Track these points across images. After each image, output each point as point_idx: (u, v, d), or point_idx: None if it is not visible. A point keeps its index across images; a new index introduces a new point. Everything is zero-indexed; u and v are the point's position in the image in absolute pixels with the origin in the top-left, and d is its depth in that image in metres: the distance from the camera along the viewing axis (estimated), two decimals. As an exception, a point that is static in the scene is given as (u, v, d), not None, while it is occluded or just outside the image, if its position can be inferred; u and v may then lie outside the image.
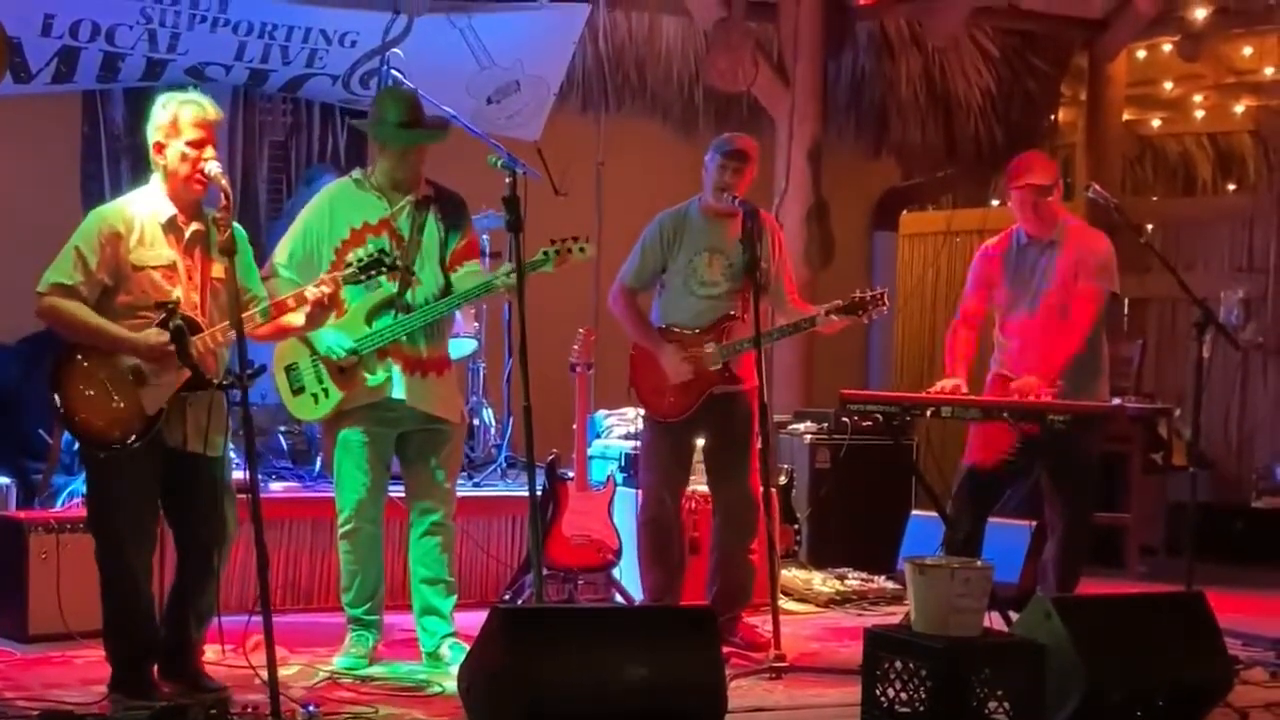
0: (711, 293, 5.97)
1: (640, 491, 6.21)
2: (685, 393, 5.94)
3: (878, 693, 4.63)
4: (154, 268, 4.72)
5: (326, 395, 5.46)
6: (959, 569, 4.61)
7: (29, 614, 5.69)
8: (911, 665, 4.54)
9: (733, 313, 5.93)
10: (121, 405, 4.66)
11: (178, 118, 4.74)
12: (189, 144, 4.73)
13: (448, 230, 5.55)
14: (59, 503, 6.24)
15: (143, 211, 4.76)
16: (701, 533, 6.49)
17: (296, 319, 4.98)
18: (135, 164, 7.46)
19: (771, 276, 5.98)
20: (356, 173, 5.66)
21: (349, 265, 5.15)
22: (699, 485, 6.37)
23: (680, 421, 5.98)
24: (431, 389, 5.51)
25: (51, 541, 5.75)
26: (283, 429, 7.31)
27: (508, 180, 5.10)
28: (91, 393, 4.65)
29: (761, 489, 5.79)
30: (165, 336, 4.59)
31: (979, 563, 4.83)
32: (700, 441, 6.10)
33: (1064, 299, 6.00)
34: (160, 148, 4.78)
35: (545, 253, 5.36)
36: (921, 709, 4.50)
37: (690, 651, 4.43)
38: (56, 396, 4.68)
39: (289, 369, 5.51)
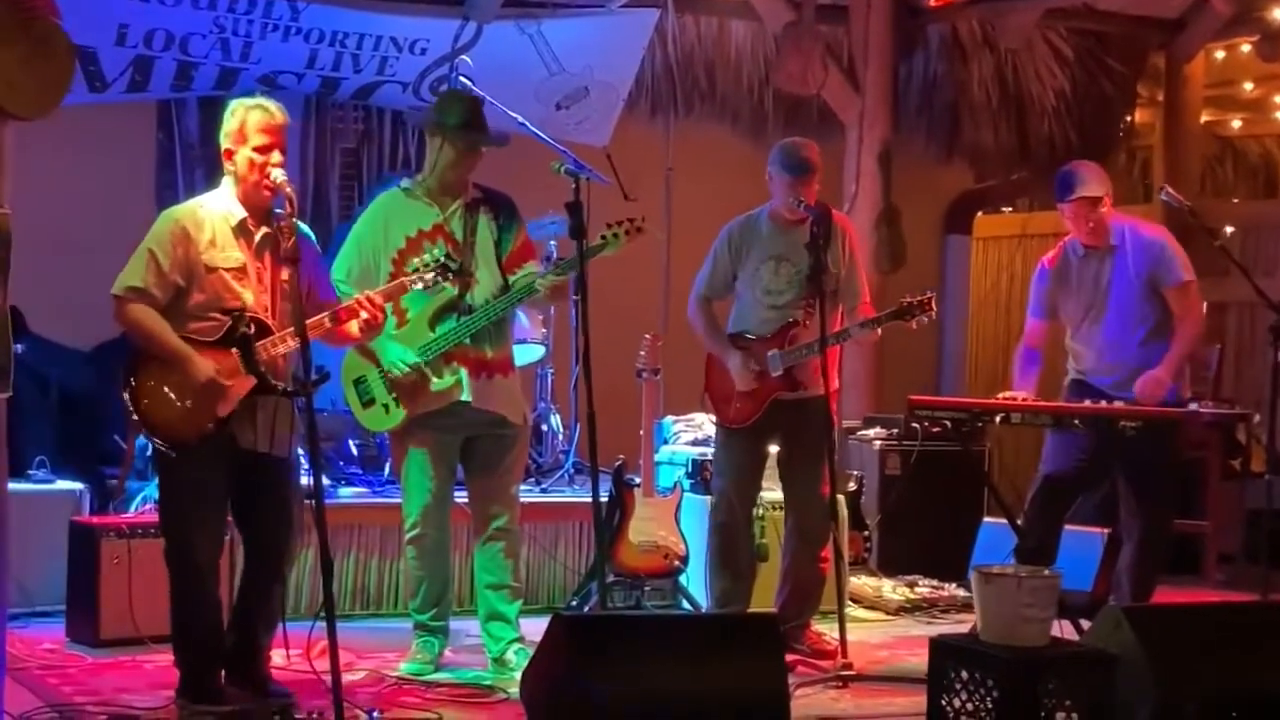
0: (777, 301, 5.93)
1: (711, 497, 6.22)
2: (750, 399, 5.91)
3: (944, 703, 4.58)
4: (225, 270, 4.76)
5: (397, 405, 5.48)
6: (1025, 578, 4.55)
7: (100, 618, 5.75)
8: (978, 675, 4.48)
9: (797, 320, 5.89)
10: (192, 406, 4.70)
11: (245, 124, 4.79)
12: (255, 149, 4.76)
13: (500, 230, 5.57)
14: (132, 507, 6.31)
15: (214, 213, 4.81)
16: (771, 540, 6.47)
17: (352, 328, 4.98)
18: (210, 172, 7.52)
19: (842, 280, 5.94)
20: (405, 182, 5.68)
21: (413, 270, 5.18)
22: (772, 492, 6.34)
23: (747, 427, 5.95)
24: (497, 390, 5.52)
25: (123, 547, 5.81)
26: (356, 440, 7.36)
27: (573, 186, 5.13)
28: (164, 393, 4.69)
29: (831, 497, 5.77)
30: (214, 372, 4.64)
31: (1046, 571, 4.76)
32: (774, 448, 6.08)
33: (1136, 295, 5.95)
34: (230, 154, 4.83)
35: (604, 236, 5.37)
36: (988, 719, 4.44)
37: (753, 659, 4.40)
38: (129, 397, 4.73)
39: (357, 382, 5.54)
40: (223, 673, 4.85)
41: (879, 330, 5.92)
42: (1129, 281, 5.97)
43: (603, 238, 5.36)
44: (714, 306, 6.14)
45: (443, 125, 5.52)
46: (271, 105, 4.85)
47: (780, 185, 5.90)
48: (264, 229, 4.83)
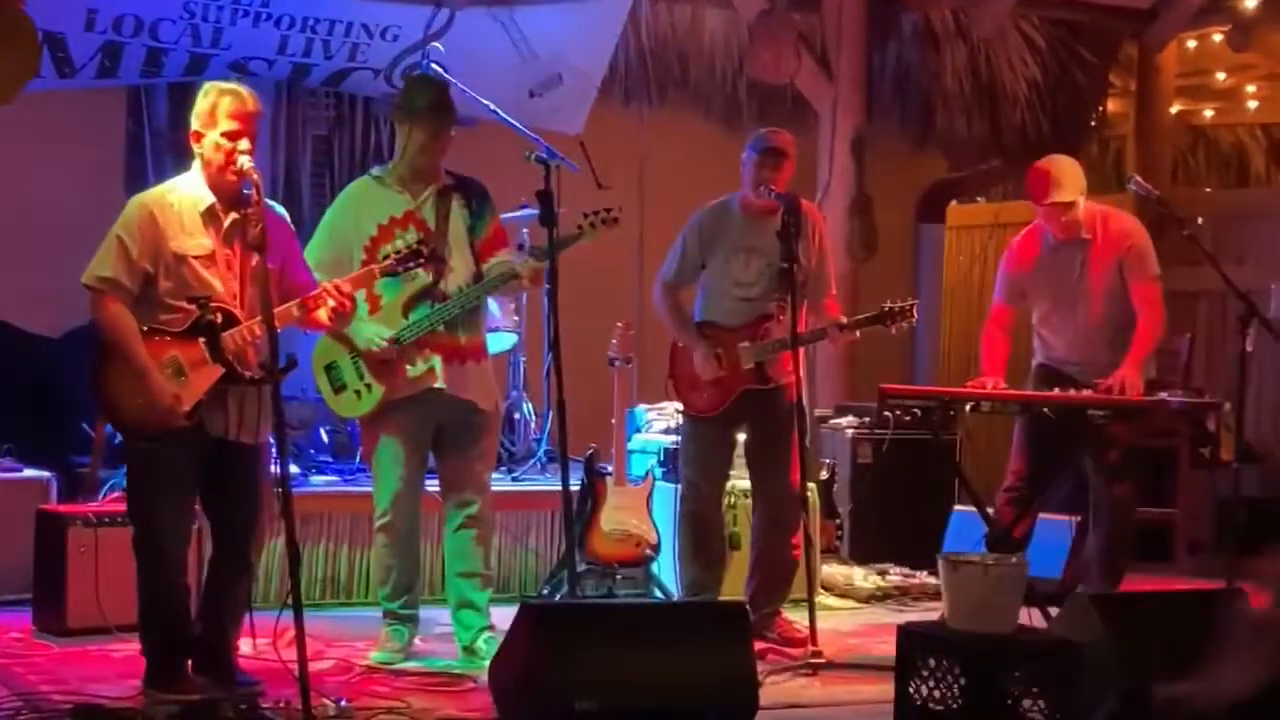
0: (747, 294, 5.92)
1: (679, 486, 6.21)
2: (718, 389, 5.91)
3: (911, 690, 4.59)
4: (194, 257, 4.73)
5: (369, 390, 5.46)
6: (992, 565, 4.56)
7: (68, 608, 5.72)
8: (945, 662, 4.49)
9: (769, 313, 5.88)
10: (156, 404, 4.67)
11: (216, 107, 4.74)
12: (224, 135, 4.71)
13: (473, 217, 5.55)
14: (101, 495, 6.27)
15: (183, 198, 4.77)
16: (742, 528, 6.47)
17: (322, 316, 4.96)
18: (179, 159, 7.41)
19: (810, 273, 5.94)
20: (375, 170, 5.67)
21: (385, 258, 5.17)
22: (743, 480, 6.35)
23: (714, 417, 5.95)
24: (470, 376, 5.51)
25: (90, 535, 5.77)
26: (328, 427, 7.34)
27: (544, 174, 5.14)
28: (132, 383, 4.67)
29: (800, 485, 5.78)
30: (177, 402, 4.62)
31: (1014, 559, 4.78)
32: (741, 437, 6.08)
33: (1108, 286, 5.96)
34: (198, 136, 4.78)
35: (580, 227, 5.37)
36: (955, 707, 4.45)
37: (722, 647, 4.41)
38: (98, 386, 4.70)
39: (329, 368, 5.52)
40: (190, 662, 4.83)
41: (858, 333, 5.93)
42: (1100, 274, 5.99)
43: (579, 228, 5.37)
44: (679, 294, 6.14)
45: (410, 110, 5.50)
46: (245, 91, 4.80)
47: (747, 165, 5.91)
48: (233, 215, 4.80)
